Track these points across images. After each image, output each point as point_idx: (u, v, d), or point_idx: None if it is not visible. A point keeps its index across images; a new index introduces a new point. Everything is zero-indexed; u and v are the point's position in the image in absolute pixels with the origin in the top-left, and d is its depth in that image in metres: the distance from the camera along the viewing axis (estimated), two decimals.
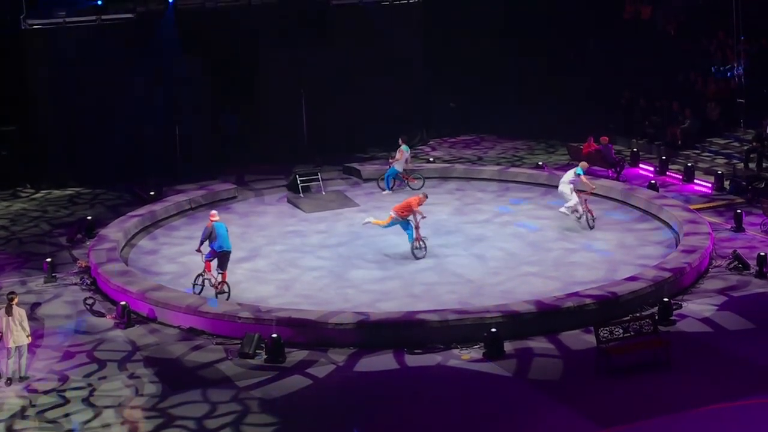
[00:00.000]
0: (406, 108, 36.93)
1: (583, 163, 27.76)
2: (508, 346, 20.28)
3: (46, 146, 33.37)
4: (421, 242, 25.26)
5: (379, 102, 36.21)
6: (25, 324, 19.57)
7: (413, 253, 25.15)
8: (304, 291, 23.62)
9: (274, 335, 20.24)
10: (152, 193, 30.57)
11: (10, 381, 19.45)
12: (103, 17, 32.93)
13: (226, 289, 22.93)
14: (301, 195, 30.76)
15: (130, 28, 33.09)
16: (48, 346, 21.19)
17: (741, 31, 33.03)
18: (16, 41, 32.34)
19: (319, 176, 31.44)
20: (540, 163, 33.42)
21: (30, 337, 19.68)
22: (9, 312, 19.39)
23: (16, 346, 19.41)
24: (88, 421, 18.13)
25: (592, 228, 26.60)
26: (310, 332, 20.91)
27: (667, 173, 32.25)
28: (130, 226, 27.58)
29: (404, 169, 30.93)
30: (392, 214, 25.23)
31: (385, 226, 25.49)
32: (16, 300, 19.70)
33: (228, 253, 23.15)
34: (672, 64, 36.85)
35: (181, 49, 33.43)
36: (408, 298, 22.92)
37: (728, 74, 34.29)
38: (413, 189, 30.58)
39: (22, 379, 19.53)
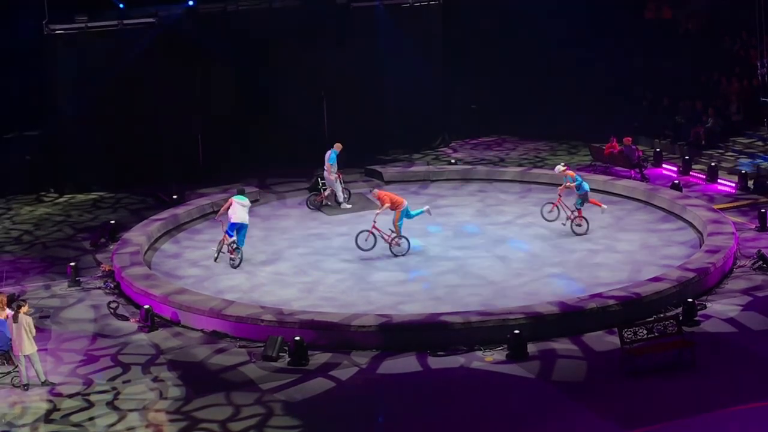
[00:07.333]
0: (428, 110, 36.89)
1: (337, 145, 28.59)
2: (531, 348, 20.24)
3: (69, 151, 33.50)
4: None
5: (400, 104, 36.19)
6: (32, 330, 19.53)
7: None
8: (326, 294, 23.61)
9: (297, 338, 20.28)
10: (175, 196, 30.65)
11: (27, 386, 19.52)
12: (125, 22, 33.05)
13: None
14: None
15: (152, 33, 33.20)
16: (72, 350, 21.29)
17: (765, 30, 32.74)
18: (38, 46, 32.49)
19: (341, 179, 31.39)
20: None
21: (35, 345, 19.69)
22: (15, 320, 19.39)
23: (25, 355, 19.44)
24: (113, 424, 18.20)
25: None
26: (332, 335, 20.92)
27: (691, 173, 32.09)
28: (153, 230, 27.66)
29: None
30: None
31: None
32: (24, 309, 19.60)
33: None
34: (695, 63, 36.65)
35: (202, 53, 33.51)
36: (431, 300, 22.89)
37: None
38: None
39: (43, 384, 19.59)
